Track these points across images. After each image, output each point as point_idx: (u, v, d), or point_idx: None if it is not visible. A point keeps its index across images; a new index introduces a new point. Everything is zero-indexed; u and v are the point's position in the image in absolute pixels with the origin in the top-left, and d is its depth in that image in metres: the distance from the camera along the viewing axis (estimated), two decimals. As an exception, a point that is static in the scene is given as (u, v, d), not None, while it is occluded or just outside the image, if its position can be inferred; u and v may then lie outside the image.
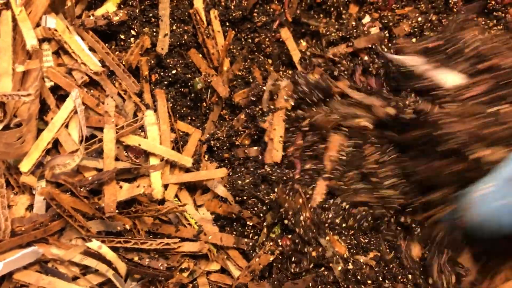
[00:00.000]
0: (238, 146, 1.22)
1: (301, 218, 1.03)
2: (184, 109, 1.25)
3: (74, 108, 1.06)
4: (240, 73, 1.28)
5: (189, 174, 1.14)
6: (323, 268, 1.06)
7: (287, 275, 1.07)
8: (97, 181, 1.00)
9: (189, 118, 1.26)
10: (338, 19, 1.32)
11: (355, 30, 1.25)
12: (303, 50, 1.31)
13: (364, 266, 1.06)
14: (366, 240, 1.13)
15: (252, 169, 1.16)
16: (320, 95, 1.15)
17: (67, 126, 1.07)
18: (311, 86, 1.15)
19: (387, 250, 1.10)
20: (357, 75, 1.22)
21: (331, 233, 1.06)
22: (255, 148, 1.19)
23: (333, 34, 1.26)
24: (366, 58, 1.21)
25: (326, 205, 1.08)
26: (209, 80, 1.20)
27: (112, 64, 1.14)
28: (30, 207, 1.05)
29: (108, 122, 1.05)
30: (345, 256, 1.04)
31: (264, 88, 1.19)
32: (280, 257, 1.06)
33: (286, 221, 1.04)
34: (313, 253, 1.02)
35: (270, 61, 1.32)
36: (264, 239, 1.09)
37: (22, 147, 1.01)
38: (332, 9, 1.30)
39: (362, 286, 1.04)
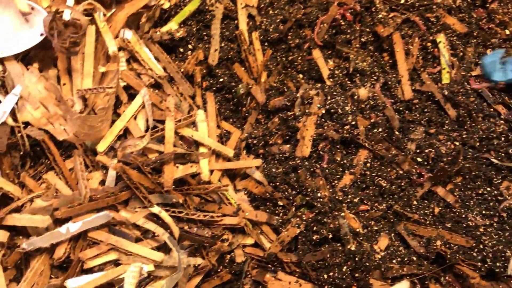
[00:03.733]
0: (272, 144, 1.44)
1: (319, 194, 1.25)
2: (228, 112, 1.49)
3: (142, 104, 1.30)
4: (275, 84, 1.52)
5: (230, 163, 1.37)
6: (339, 244, 1.27)
7: (309, 248, 1.27)
8: (159, 161, 1.24)
9: (231, 119, 1.50)
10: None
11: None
12: (331, 69, 1.54)
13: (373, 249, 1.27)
14: (379, 227, 1.35)
15: (284, 161, 1.39)
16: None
17: (135, 118, 1.31)
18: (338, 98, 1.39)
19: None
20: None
21: (348, 211, 1.27)
22: (287, 145, 1.41)
23: (360, 64, 1.50)
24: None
25: (345, 189, 1.29)
26: (249, 87, 1.44)
27: (172, 71, 1.40)
28: (101, 182, 1.29)
29: (169, 115, 1.30)
30: (359, 231, 1.25)
31: (298, 95, 1.42)
32: (304, 231, 1.27)
33: (307, 198, 1.26)
34: (331, 225, 1.23)
35: (301, 75, 1.56)
36: (291, 217, 1.30)
37: (101, 131, 1.25)
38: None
39: (370, 264, 1.25)
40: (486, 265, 1.27)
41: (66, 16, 1.25)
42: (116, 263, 1.21)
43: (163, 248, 1.25)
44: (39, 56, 1.32)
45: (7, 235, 1.13)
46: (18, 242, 1.18)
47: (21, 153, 1.23)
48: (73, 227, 1.17)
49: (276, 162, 1.40)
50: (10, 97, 1.18)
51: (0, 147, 1.15)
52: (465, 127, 1.46)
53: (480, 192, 1.38)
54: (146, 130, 1.31)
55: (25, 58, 1.31)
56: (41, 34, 1.25)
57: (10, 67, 1.25)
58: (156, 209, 1.20)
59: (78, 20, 1.22)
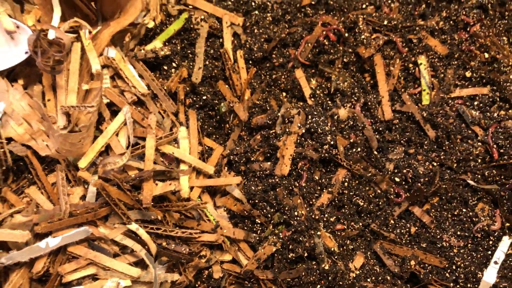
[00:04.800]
0: (253, 161, 1.47)
1: (296, 213, 1.27)
2: (210, 128, 1.52)
3: (124, 121, 1.33)
4: (258, 102, 1.55)
5: (211, 180, 1.40)
6: (314, 262, 1.29)
7: (285, 265, 1.30)
8: (138, 178, 1.26)
9: (214, 136, 1.52)
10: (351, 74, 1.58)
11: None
12: (313, 88, 1.57)
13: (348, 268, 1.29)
14: (355, 246, 1.37)
15: (264, 179, 1.41)
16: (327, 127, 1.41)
17: (117, 135, 1.34)
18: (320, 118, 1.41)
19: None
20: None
21: (324, 230, 1.29)
22: (268, 163, 1.44)
23: (341, 84, 1.53)
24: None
25: (322, 208, 1.32)
26: (231, 105, 1.47)
27: (155, 88, 1.43)
28: (83, 197, 1.31)
29: (150, 133, 1.33)
30: (334, 250, 1.27)
31: (279, 114, 1.45)
32: (281, 249, 1.29)
33: (284, 216, 1.28)
34: (306, 243, 1.26)
35: (284, 94, 1.59)
36: (268, 235, 1.32)
37: (82, 148, 1.28)
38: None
39: (344, 283, 1.27)
40: (458, 286, 1.29)
41: (51, 35, 1.28)
42: (94, 277, 1.23)
43: (141, 263, 1.28)
44: (24, 72, 1.35)
45: (-14, 249, 1.16)
46: (-2, 256, 1.20)
47: (3, 168, 1.25)
48: (52, 242, 1.20)
49: (256, 179, 1.42)
50: (-7, 114, 1.21)
51: (-18, 163, 1.18)
52: (444, 148, 1.48)
53: (455, 213, 1.40)
54: (128, 147, 1.33)
55: (10, 74, 1.34)
56: (26, 52, 1.28)
57: (-5, 83, 1.28)
58: (133, 226, 1.23)
59: (61, 39, 1.25)
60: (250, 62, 1.57)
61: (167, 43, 1.48)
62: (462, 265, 1.31)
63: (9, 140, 1.26)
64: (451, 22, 1.63)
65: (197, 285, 1.34)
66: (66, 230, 1.23)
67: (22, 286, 1.20)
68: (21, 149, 1.25)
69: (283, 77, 1.58)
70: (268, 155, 1.46)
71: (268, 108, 1.54)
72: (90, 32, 1.39)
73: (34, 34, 1.22)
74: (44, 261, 1.21)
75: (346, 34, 1.56)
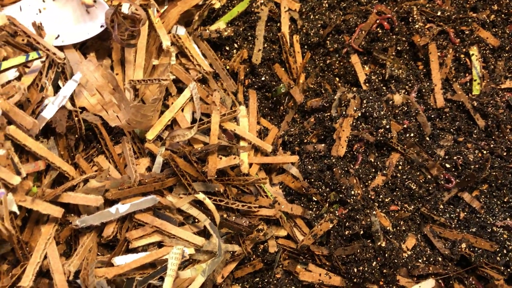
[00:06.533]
0: (307, 143, 1.51)
1: (352, 192, 1.32)
2: (266, 109, 1.57)
3: (190, 97, 1.38)
4: (312, 86, 1.59)
5: (269, 157, 1.44)
6: (369, 240, 1.33)
7: (340, 242, 1.34)
8: (204, 151, 1.31)
9: (269, 117, 1.57)
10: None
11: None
12: (367, 74, 1.61)
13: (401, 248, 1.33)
14: (406, 227, 1.41)
15: (318, 159, 1.46)
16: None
17: (182, 110, 1.39)
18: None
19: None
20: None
21: (379, 210, 1.33)
22: (322, 145, 1.48)
23: (396, 71, 1.57)
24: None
25: (377, 189, 1.36)
26: (290, 87, 1.51)
27: (218, 68, 1.47)
28: (147, 169, 1.37)
29: (215, 109, 1.37)
30: (389, 229, 1.31)
31: (335, 97, 1.49)
32: (337, 226, 1.34)
33: (340, 195, 1.33)
34: (363, 222, 1.30)
35: (337, 79, 1.63)
36: (324, 212, 1.37)
37: (151, 120, 1.33)
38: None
39: (398, 261, 1.31)
40: (509, 269, 1.33)
41: (125, 10, 1.33)
42: (159, 244, 1.29)
43: (202, 233, 1.33)
44: (95, 46, 1.40)
45: (62, 212, 1.21)
46: (70, 219, 1.26)
47: (76, 136, 1.30)
48: (122, 208, 1.25)
49: (311, 159, 1.47)
50: (70, 83, 1.26)
51: (60, 129, 1.23)
52: (493, 137, 1.52)
53: (505, 200, 1.44)
54: (192, 122, 1.38)
55: (81, 47, 1.39)
56: (101, 26, 1.33)
57: (69, 55, 1.33)
58: (201, 196, 1.27)
59: (137, 14, 1.30)
60: (305, 46, 1.61)
61: (229, 25, 1.53)
62: (513, 249, 1.35)
63: (82, 109, 1.31)
64: (502, 15, 1.66)
65: (252, 258, 1.39)
66: (134, 198, 1.28)
67: (92, 249, 1.25)
68: (93, 118, 1.30)
69: (337, 62, 1.62)
70: (322, 137, 1.51)
71: (322, 91, 1.58)
72: (158, 11, 1.43)
73: (111, 8, 1.27)
74: (114, 227, 1.26)
75: (400, 23, 1.60)
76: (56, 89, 1.29)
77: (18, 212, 1.13)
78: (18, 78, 1.23)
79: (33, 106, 1.21)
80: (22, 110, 1.18)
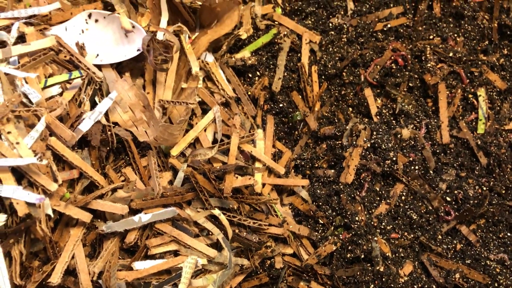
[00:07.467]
0: (318, 167, 1.62)
1: (357, 218, 1.43)
2: (282, 133, 1.68)
3: (213, 118, 1.50)
4: (326, 114, 1.71)
5: (281, 179, 1.56)
6: (369, 264, 1.44)
7: (342, 264, 1.45)
8: (223, 170, 1.43)
9: (284, 140, 1.69)
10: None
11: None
12: (379, 106, 1.72)
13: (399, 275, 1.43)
14: (405, 254, 1.51)
15: (327, 184, 1.57)
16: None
17: (205, 130, 1.51)
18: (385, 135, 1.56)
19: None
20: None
21: (380, 237, 1.44)
22: (332, 170, 1.59)
23: (406, 106, 1.67)
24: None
25: (380, 217, 1.47)
26: (306, 115, 1.63)
27: (240, 93, 1.59)
28: (169, 182, 1.49)
29: (235, 132, 1.49)
30: (388, 255, 1.42)
31: (347, 127, 1.60)
32: (340, 249, 1.44)
33: (345, 220, 1.44)
34: (364, 246, 1.41)
35: (350, 109, 1.74)
36: (329, 235, 1.48)
37: (176, 138, 1.45)
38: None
39: (395, 286, 1.41)
40: (498, 302, 1.43)
41: (160, 36, 1.46)
42: (175, 253, 1.40)
43: (214, 246, 1.44)
44: (129, 66, 1.53)
45: (90, 217, 1.33)
46: (96, 224, 1.38)
47: (108, 148, 1.43)
48: (144, 218, 1.37)
49: (320, 184, 1.58)
50: (106, 101, 1.38)
51: (95, 142, 1.36)
52: (494, 175, 1.61)
53: (500, 235, 1.53)
54: (213, 142, 1.50)
55: (117, 66, 1.52)
56: (138, 50, 1.45)
57: (106, 74, 1.46)
58: (216, 212, 1.39)
59: (171, 41, 1.42)
60: (323, 77, 1.72)
61: (253, 54, 1.65)
62: (504, 283, 1.44)
63: (115, 124, 1.44)
64: (511, 59, 1.76)
65: (259, 272, 1.50)
66: (156, 209, 1.40)
67: (114, 253, 1.37)
68: (125, 133, 1.42)
69: (351, 94, 1.73)
70: (332, 163, 1.62)
71: (335, 120, 1.69)
72: (189, 37, 1.56)
73: (148, 34, 1.40)
74: (135, 234, 1.38)
75: (413, 61, 1.71)
76: (93, 104, 1.41)
77: (52, 215, 1.25)
78: (60, 94, 1.36)
79: (72, 119, 1.34)
80: (62, 123, 1.31)
